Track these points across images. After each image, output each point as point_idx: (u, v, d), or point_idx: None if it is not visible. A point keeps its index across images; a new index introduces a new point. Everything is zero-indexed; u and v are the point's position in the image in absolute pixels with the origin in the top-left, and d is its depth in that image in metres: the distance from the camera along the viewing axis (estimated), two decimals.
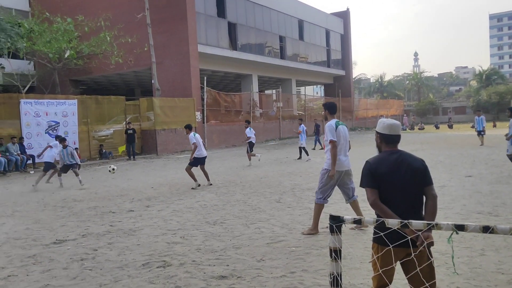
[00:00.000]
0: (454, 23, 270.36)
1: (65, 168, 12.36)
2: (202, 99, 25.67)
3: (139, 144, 22.33)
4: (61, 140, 12.46)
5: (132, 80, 32.93)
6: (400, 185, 2.98)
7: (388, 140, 3.14)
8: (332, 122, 6.12)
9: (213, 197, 9.41)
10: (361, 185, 3.12)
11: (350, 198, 6.29)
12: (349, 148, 6.40)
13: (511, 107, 11.52)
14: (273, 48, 35.39)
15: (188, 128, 11.40)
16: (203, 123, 25.29)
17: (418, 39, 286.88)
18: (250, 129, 16.86)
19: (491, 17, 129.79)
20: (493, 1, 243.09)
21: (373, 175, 3.04)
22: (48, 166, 12.59)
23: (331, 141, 6.00)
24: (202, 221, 7.10)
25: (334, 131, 6.00)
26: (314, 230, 6.04)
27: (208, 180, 11.26)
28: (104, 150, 20.48)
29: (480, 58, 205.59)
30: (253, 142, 16.75)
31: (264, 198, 8.99)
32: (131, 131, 20.24)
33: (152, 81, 23.93)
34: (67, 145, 12.41)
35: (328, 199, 6.21)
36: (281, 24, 36.05)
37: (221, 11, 29.26)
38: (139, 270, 4.88)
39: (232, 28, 30.50)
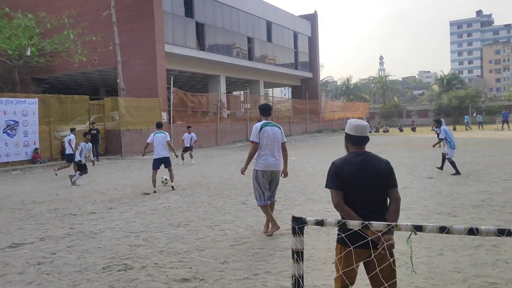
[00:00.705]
0: (417, 28, 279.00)
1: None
2: (169, 100, 25.34)
3: (103, 145, 21.80)
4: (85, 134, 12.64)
5: (97, 79, 32.15)
6: (364, 187, 2.98)
7: (354, 141, 3.12)
8: (259, 124, 6.23)
9: (178, 198, 9.28)
10: (326, 186, 3.11)
11: (271, 198, 6.33)
12: (286, 151, 6.36)
13: (437, 119, 13.18)
14: (241, 49, 35.39)
15: (158, 126, 11.30)
16: (170, 123, 24.96)
17: (383, 43, 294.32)
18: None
19: (452, 24, 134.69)
20: (454, 8, 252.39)
21: (338, 177, 3.03)
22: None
23: (251, 142, 6.22)
24: (166, 223, 6.99)
25: (257, 133, 6.12)
26: (275, 227, 6.10)
27: (172, 181, 10.84)
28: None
29: (441, 63, 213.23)
30: (187, 146, 17.42)
31: (230, 199, 8.95)
32: (95, 131, 19.72)
33: (118, 81, 23.43)
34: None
35: (268, 199, 6.19)
36: (249, 25, 36.11)
37: (189, 11, 29.01)
38: (99, 273, 4.73)
39: (200, 28, 30.30)
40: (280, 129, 6.32)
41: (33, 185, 12.45)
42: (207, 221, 7.07)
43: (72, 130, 14.76)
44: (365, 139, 3.13)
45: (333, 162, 3.14)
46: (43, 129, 19.23)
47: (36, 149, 18.54)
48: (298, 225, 2.72)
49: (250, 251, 5.34)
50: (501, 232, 2.25)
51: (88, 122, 20.91)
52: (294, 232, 2.72)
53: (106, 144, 22.15)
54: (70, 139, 14.04)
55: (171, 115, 25.11)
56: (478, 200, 7.74)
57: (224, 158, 19.31)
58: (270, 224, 6.19)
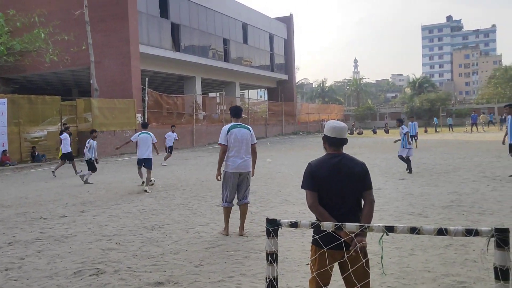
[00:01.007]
0: (391, 32, 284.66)
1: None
2: (143, 101, 25.05)
3: (75, 147, 21.35)
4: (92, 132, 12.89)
5: (69, 79, 31.49)
6: (339, 188, 3.00)
7: (332, 143, 3.13)
8: (227, 126, 6.34)
9: (152, 201, 9.18)
10: (302, 187, 3.12)
11: (239, 200, 6.40)
12: (255, 153, 6.43)
13: (399, 119, 14.57)
14: (217, 50, 35.31)
15: (144, 126, 12.29)
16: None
17: (358, 47, 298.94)
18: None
19: (423, 29, 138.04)
20: (426, 14, 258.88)
21: (313, 178, 3.04)
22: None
23: (219, 144, 6.33)
24: (140, 226, 6.89)
25: (225, 135, 6.21)
26: (224, 232, 6.27)
27: (146, 184, 10.79)
28: (37, 153, 19.36)
29: (414, 67, 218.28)
30: (170, 145, 17.25)
31: (205, 202, 8.90)
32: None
33: (91, 81, 23.00)
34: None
35: (232, 202, 6.31)
36: (225, 26, 36.07)
37: (164, 12, 28.76)
38: (70, 278, 4.63)
39: (175, 29, 30.08)
40: (249, 130, 6.36)
41: (2, 188, 12.09)
42: (182, 223, 7.01)
43: (67, 129, 15.66)
44: (343, 141, 3.13)
45: (309, 163, 3.15)
46: (12, 130, 18.69)
47: (4, 151, 17.99)
48: (273, 227, 2.73)
49: (225, 253, 5.33)
50: (468, 232, 2.31)
51: (59, 124, 20.44)
52: (268, 234, 2.73)
53: (78, 145, 21.70)
54: (61, 138, 14.68)
55: (146, 116, 24.80)
56: (448, 201, 7.95)
57: (200, 160, 19.22)
58: (239, 225, 6.37)
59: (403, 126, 13.28)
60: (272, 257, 2.71)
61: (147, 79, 25.07)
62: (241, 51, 39.09)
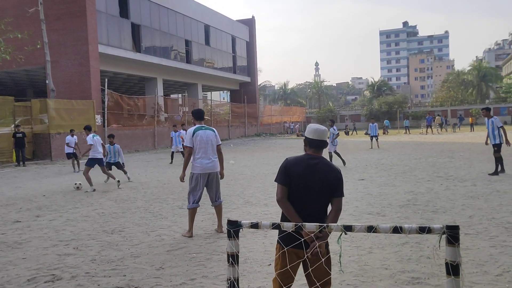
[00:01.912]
0: (351, 36, 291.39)
1: (109, 165, 12.88)
2: (103, 102, 24.45)
3: (30, 149, 20.55)
4: (109, 136, 13.49)
5: (23, 79, 30.27)
6: (310, 190, 3.04)
7: (312, 144, 3.16)
8: (192, 128, 6.41)
9: (112, 204, 8.97)
10: (275, 180, 3.15)
11: (213, 202, 6.49)
12: (221, 154, 6.56)
13: (332, 119, 17.66)
14: (179, 51, 34.97)
15: (88, 129, 11.90)
16: (104, 126, 24.06)
17: (319, 50, 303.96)
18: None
19: (381, 34, 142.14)
20: (384, 19, 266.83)
21: (287, 173, 3.07)
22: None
23: (185, 147, 6.43)
24: (99, 230, 6.72)
25: (190, 137, 6.28)
26: (188, 234, 6.23)
27: (114, 178, 11.58)
28: None
29: (372, 70, 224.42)
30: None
31: (167, 204, 8.79)
32: (20, 134, 18.54)
33: (47, 82, 22.22)
34: (115, 143, 13.26)
35: (198, 203, 6.37)
36: (187, 28, 35.79)
37: (124, 11, 28.21)
38: (23, 286, 4.45)
39: (135, 29, 29.56)
40: (214, 132, 6.48)
41: None
42: (143, 226, 6.89)
43: (71, 130, 16.90)
44: (323, 143, 3.17)
45: (286, 158, 3.18)
46: None
47: None
48: (234, 228, 2.74)
49: (187, 256, 5.28)
50: (422, 230, 2.40)
51: (12, 125, 19.60)
52: (229, 236, 2.73)
53: (34, 148, 20.91)
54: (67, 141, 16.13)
55: (106, 118, 24.22)
56: (404, 200, 8.22)
57: (162, 162, 18.95)
58: (217, 224, 6.52)
59: (334, 127, 15.87)
60: (233, 259, 2.72)
61: (106, 80, 24.49)
62: (203, 53, 38.89)
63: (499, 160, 11.21)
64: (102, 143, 11.88)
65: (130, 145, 26.17)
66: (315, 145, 3.15)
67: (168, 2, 32.60)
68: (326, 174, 3.06)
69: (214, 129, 6.56)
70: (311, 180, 3.04)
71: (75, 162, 16.21)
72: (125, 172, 12.87)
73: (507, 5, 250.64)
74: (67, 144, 16.42)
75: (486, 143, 12.02)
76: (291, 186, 3.06)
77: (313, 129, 3.18)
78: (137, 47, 29.68)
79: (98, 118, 23.87)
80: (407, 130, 41.68)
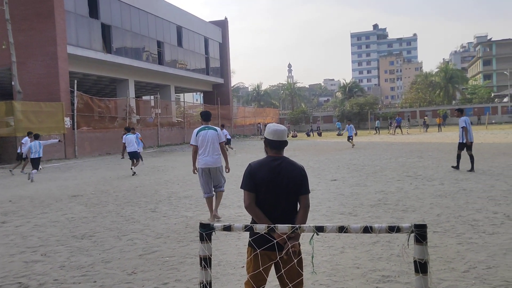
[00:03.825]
0: (323, 38, 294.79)
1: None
2: (72, 104, 23.90)
3: None
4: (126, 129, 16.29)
5: None
6: (276, 191, 3.04)
7: (272, 145, 3.15)
8: (196, 129, 7.34)
9: (82, 209, 8.77)
10: (241, 187, 3.14)
11: (216, 188, 7.38)
12: (224, 149, 7.50)
13: (259, 123, 18.05)
14: (150, 53, 34.58)
15: (126, 129, 16.10)
16: (73, 129, 23.53)
17: (291, 52, 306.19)
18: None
19: (352, 36, 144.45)
20: (355, 21, 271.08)
21: (252, 179, 3.06)
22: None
23: (190, 145, 7.44)
24: (68, 236, 6.56)
25: (194, 137, 7.24)
26: (210, 218, 7.20)
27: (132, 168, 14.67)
28: None
29: (344, 72, 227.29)
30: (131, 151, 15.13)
31: (139, 208, 8.66)
32: None
33: (13, 83, 21.56)
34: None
35: (212, 192, 7.28)
36: (159, 29, 35.41)
37: (93, 12, 27.68)
38: None
39: (106, 30, 29.05)
40: (216, 131, 7.31)
41: None
42: (114, 231, 6.77)
43: (133, 129, 17.44)
44: (283, 144, 3.16)
45: (249, 164, 3.17)
46: None
47: None
48: (206, 231, 2.72)
49: (159, 260, 5.22)
50: (391, 229, 2.45)
51: None
52: (201, 239, 2.72)
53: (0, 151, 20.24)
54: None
55: (75, 120, 23.67)
56: (375, 200, 8.37)
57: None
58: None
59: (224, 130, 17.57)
60: (205, 262, 2.70)
61: (76, 81, 23.96)
62: (176, 54, 38.57)
63: (459, 157, 12.14)
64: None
65: (101, 148, 25.68)
66: (275, 146, 3.14)
67: (139, 3, 32.19)
68: (290, 173, 3.07)
69: (217, 128, 7.38)
70: (276, 182, 3.04)
71: (22, 163, 16.61)
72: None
73: (471, 9, 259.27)
74: (22, 145, 16.67)
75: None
76: (258, 190, 3.05)
77: (272, 130, 3.16)
78: (107, 48, 29.17)
79: (67, 120, 23.31)
80: (377, 131, 42.62)
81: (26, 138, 16.68)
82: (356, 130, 45.49)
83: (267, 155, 3.21)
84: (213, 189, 7.32)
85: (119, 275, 4.71)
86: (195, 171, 7.41)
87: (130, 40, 31.72)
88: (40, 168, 15.72)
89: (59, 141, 17.96)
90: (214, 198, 7.37)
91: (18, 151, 16.87)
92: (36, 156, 14.79)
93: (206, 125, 7.32)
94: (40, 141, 15.29)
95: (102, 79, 32.11)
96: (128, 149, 14.99)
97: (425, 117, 47.28)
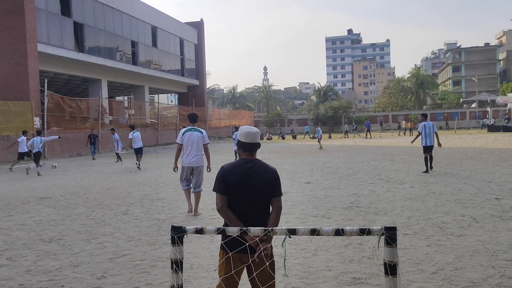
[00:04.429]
0: (299, 42, 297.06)
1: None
2: (42, 104, 23.30)
3: None
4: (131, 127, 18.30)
5: None
6: (249, 193, 3.03)
7: (245, 148, 3.13)
8: (183, 129, 7.90)
9: (51, 211, 8.54)
10: (213, 190, 3.11)
11: (194, 189, 7.94)
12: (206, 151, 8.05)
13: (235, 126, 18.44)
14: (124, 53, 34.08)
15: (131, 127, 17.95)
16: (43, 129, 22.92)
17: (267, 54, 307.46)
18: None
19: (327, 40, 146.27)
20: (329, 26, 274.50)
21: (224, 182, 3.03)
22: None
23: (176, 143, 7.94)
24: (36, 239, 6.37)
25: (180, 136, 7.82)
26: (187, 209, 7.95)
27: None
28: None
29: (319, 76, 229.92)
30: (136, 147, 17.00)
31: (110, 210, 8.50)
32: None
33: None
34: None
35: (189, 186, 7.97)
36: (134, 29, 34.96)
37: (65, 9, 27.10)
38: None
39: (78, 29, 28.48)
40: (201, 133, 7.88)
41: None
42: (84, 234, 6.61)
43: (112, 130, 20.42)
44: (256, 146, 3.15)
45: (222, 166, 3.15)
46: None
47: None
48: (178, 234, 2.69)
49: (130, 263, 5.12)
50: (362, 232, 2.48)
51: None
52: (173, 242, 2.68)
53: None
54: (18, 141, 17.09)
55: (45, 120, 23.08)
56: (348, 203, 8.47)
57: (106, 166, 18.32)
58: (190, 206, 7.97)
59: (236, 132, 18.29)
60: (176, 265, 2.67)
61: (46, 80, 23.38)
62: (150, 55, 38.14)
63: (426, 160, 13.02)
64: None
65: (72, 149, 25.11)
66: (248, 148, 3.13)
67: (113, 2, 31.71)
68: (263, 175, 3.06)
69: (202, 130, 7.95)
70: (249, 184, 3.03)
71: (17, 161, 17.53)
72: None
73: (442, 17, 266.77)
74: (19, 143, 17.20)
75: (412, 142, 14.17)
76: (230, 193, 3.04)
77: (245, 132, 3.15)
78: (80, 47, 28.59)
79: (37, 120, 22.71)
80: (346, 134, 43.37)
81: (22, 137, 17.16)
82: (331, 133, 46.46)
83: (240, 157, 3.19)
84: (191, 185, 7.94)
85: (88, 279, 4.60)
86: (176, 169, 8.05)
87: (104, 39, 31.18)
88: (42, 164, 16.69)
89: (59, 137, 19.44)
90: (193, 196, 7.97)
91: (19, 150, 17.04)
92: (36, 150, 15.85)
93: (193, 127, 7.90)
94: (41, 137, 16.56)
95: (74, 78, 31.45)
96: (135, 146, 16.88)
97: (404, 121, 48.47)
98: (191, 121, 8.02)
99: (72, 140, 25.28)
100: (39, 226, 7.26)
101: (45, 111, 23.05)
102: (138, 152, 16.84)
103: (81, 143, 25.29)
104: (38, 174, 15.20)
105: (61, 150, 24.24)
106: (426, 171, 12.66)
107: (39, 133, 16.85)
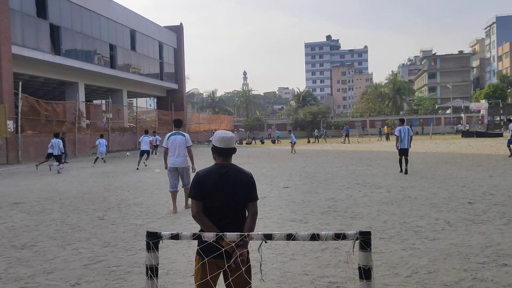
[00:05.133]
0: (278, 47, 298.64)
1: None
2: (16, 107, 22.76)
3: None
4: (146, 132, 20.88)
5: None
6: (224, 199, 3.02)
7: (220, 153, 3.12)
8: (168, 134, 8.61)
9: (24, 217, 8.34)
10: (189, 196, 3.10)
11: (183, 185, 8.68)
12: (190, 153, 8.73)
13: (216, 130, 20.02)
14: (102, 56, 33.66)
15: (145, 131, 20.06)
16: (17, 133, 22.39)
17: (247, 59, 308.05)
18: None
19: (306, 46, 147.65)
20: (309, 31, 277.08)
21: (199, 187, 3.02)
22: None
23: (163, 147, 8.75)
24: (7, 245, 6.20)
25: (166, 140, 8.56)
26: (173, 211, 8.45)
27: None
28: None
29: (298, 81, 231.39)
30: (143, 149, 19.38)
31: (86, 215, 8.36)
32: None
33: None
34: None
35: (176, 188, 8.56)
36: (112, 32, 34.58)
37: (41, 11, 26.62)
38: None
39: (55, 31, 28.01)
40: (184, 136, 8.56)
41: None
42: (58, 240, 6.48)
43: (56, 135, 19.53)
44: (231, 151, 3.14)
45: (197, 172, 3.13)
46: None
47: None
48: (153, 240, 2.67)
49: (106, 269, 5.05)
50: (337, 236, 2.51)
51: None
52: (148, 248, 2.65)
53: None
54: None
55: (19, 123, 22.55)
56: (326, 207, 8.55)
57: (82, 171, 18.02)
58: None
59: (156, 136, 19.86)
60: (152, 271, 2.64)
61: (21, 83, 22.86)
62: (129, 58, 37.76)
63: (400, 162, 14.09)
64: (150, 140, 20.13)
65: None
66: (223, 153, 3.12)
67: (91, 4, 31.31)
68: (238, 180, 3.05)
69: (185, 134, 8.62)
70: (224, 189, 3.02)
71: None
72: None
73: (417, 25, 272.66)
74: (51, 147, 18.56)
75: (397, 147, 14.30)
76: (206, 199, 3.03)
77: (219, 137, 3.14)
78: (56, 49, 28.10)
79: (10, 124, 22.18)
80: (316, 140, 43.83)
81: (56, 140, 18.66)
82: (309, 138, 46.94)
83: (215, 162, 3.19)
84: (179, 185, 8.58)
85: (62, 287, 4.51)
86: (166, 168, 8.81)
87: (81, 42, 30.74)
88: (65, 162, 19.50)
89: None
90: (183, 193, 8.73)
91: (49, 151, 18.55)
92: (58, 153, 18.02)
93: (177, 131, 8.64)
94: (60, 140, 18.61)
95: (50, 81, 30.87)
96: (142, 148, 19.40)
97: (386, 127, 49.26)
98: (176, 126, 8.78)
99: (48, 144, 24.74)
100: (11, 232, 7.08)
101: (19, 115, 22.53)
102: (145, 153, 19.30)
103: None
104: (58, 172, 17.17)
105: (36, 154, 23.71)
106: (401, 171, 13.87)
107: (57, 135, 18.96)
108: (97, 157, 21.43)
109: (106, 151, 22.19)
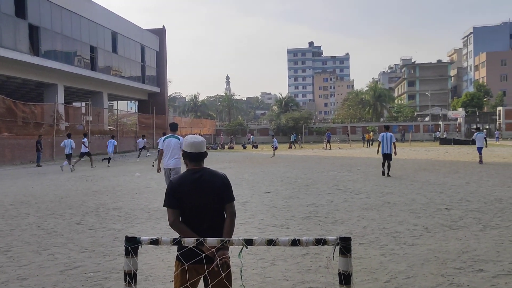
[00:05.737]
0: (261, 52, 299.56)
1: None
2: None
3: None
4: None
5: None
6: (201, 203, 2.99)
7: (191, 158, 3.09)
8: (164, 137, 9.24)
9: None
10: (164, 205, 3.05)
11: None
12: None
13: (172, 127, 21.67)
14: (83, 57, 33.22)
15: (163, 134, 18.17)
16: None
17: (230, 64, 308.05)
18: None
19: (289, 52, 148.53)
20: (291, 38, 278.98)
21: (174, 195, 2.99)
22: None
23: (159, 149, 9.34)
24: None
25: (161, 142, 9.16)
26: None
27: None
28: None
29: (281, 86, 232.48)
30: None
31: (63, 220, 8.19)
32: None
33: None
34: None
35: None
36: (93, 33, 34.17)
37: (20, 11, 26.14)
38: None
39: (34, 31, 27.53)
40: (179, 139, 8.95)
41: None
42: (33, 245, 6.32)
43: (85, 135, 22.27)
44: (202, 155, 3.11)
45: (170, 180, 3.11)
46: None
47: None
48: (132, 245, 2.62)
49: (83, 275, 4.94)
50: (318, 242, 2.51)
51: None
52: (127, 253, 2.61)
53: None
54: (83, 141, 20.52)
55: None
56: (307, 212, 8.57)
57: (61, 174, 17.68)
58: None
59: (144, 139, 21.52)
60: (130, 277, 2.60)
61: None
62: (110, 60, 37.36)
63: (383, 165, 15.04)
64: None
65: (24, 156, 24.07)
66: (195, 158, 3.10)
67: (71, 5, 30.90)
68: (213, 183, 3.04)
69: (180, 137, 8.98)
70: (199, 194, 3.00)
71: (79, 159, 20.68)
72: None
73: (398, 33, 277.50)
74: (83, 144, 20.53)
75: (378, 152, 15.50)
76: (182, 205, 3.00)
77: (189, 142, 3.11)
78: (35, 50, 27.61)
79: None
80: (292, 145, 44.09)
81: (84, 139, 20.78)
82: (291, 144, 47.29)
83: (187, 168, 3.16)
84: None
85: None
86: (159, 170, 9.34)
87: (61, 43, 30.29)
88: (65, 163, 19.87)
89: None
90: None
91: (81, 151, 20.49)
92: (69, 151, 20.02)
93: (172, 134, 9.10)
94: (71, 140, 20.47)
95: (28, 82, 30.29)
96: (69, 151, 19.95)
97: (371, 133, 49.88)
98: (172, 130, 9.31)
99: (25, 146, 24.25)
100: None
101: None
102: (82, 155, 20.45)
103: (34, 150, 24.28)
104: (71, 170, 18.63)
105: (12, 157, 23.19)
106: (383, 174, 14.88)
107: (69, 136, 20.78)
108: (109, 158, 22.83)
109: (114, 151, 23.73)
